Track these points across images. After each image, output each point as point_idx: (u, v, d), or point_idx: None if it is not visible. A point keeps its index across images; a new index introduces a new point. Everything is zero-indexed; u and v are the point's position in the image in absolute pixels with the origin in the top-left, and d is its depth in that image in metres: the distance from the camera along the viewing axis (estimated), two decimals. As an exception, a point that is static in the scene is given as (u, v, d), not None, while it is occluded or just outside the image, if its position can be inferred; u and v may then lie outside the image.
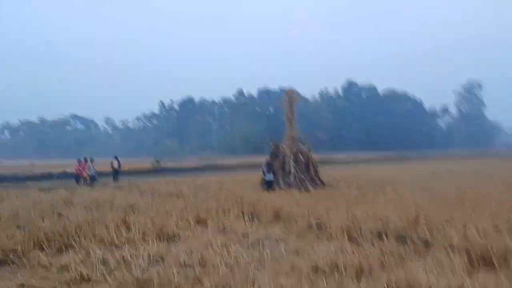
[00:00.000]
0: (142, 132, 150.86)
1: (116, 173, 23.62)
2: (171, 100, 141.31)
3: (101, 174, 24.12)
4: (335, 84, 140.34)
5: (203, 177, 26.96)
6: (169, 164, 44.46)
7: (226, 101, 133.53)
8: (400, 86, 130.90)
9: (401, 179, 20.36)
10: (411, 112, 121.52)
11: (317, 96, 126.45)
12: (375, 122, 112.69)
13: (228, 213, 11.55)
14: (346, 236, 8.54)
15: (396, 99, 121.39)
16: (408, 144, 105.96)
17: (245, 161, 46.29)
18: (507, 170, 24.74)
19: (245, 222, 10.46)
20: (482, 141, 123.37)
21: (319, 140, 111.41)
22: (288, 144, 18.57)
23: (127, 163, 53.35)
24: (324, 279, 6.09)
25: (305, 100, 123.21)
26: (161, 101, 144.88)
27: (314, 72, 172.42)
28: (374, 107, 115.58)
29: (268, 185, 17.28)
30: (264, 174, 17.47)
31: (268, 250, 7.93)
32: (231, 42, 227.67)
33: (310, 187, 17.21)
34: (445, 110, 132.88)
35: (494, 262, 6.45)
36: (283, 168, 17.82)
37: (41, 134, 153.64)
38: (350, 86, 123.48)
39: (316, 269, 6.66)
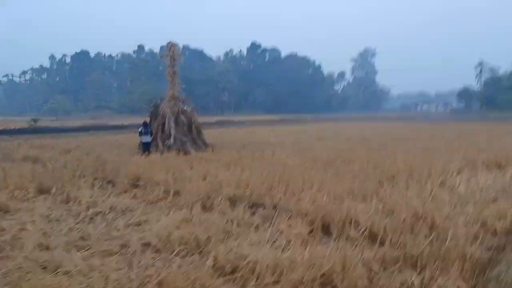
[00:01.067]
0: (30, 87, 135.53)
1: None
2: (63, 54, 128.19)
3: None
4: (240, 46, 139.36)
5: (82, 138, 24.52)
6: (54, 123, 40.13)
7: (125, 56, 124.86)
8: (303, 51, 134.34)
9: (287, 142, 20.48)
10: (312, 77, 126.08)
11: (222, 57, 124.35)
12: (278, 86, 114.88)
13: (82, 180, 10.20)
14: (199, 204, 7.88)
15: (298, 63, 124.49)
16: (308, 108, 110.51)
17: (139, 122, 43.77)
18: (383, 134, 26.52)
19: (94, 190, 9.24)
20: (373, 106, 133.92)
21: (224, 102, 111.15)
22: (169, 104, 17.29)
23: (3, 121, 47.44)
24: (149, 258, 5.34)
25: (211, 61, 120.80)
26: (52, 54, 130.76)
27: (221, 33, 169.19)
28: (278, 70, 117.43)
29: (145, 148, 16.03)
30: (140, 135, 16.09)
31: (103, 224, 6.96)
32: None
33: (192, 150, 16.34)
34: (342, 75, 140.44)
35: (331, 231, 6.30)
36: (163, 130, 16.62)
37: None
38: (254, 48, 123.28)
39: (147, 246, 5.87)
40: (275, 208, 7.46)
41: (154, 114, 17.08)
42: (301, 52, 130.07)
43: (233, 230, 6.44)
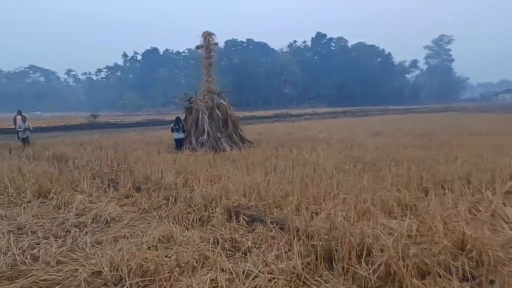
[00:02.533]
0: (105, 84, 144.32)
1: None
2: (134, 52, 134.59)
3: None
4: (304, 38, 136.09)
5: (130, 134, 24.51)
6: (113, 119, 41.43)
7: (192, 52, 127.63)
8: (371, 41, 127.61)
9: (337, 137, 18.57)
10: (381, 66, 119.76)
11: (285, 49, 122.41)
12: (344, 76, 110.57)
13: (86, 181, 9.42)
14: (193, 216, 6.64)
15: (366, 52, 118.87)
16: (377, 99, 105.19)
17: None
18: (452, 127, 23.41)
19: (93, 195, 8.38)
20: (449, 96, 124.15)
21: (286, 95, 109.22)
22: (204, 98, 16.25)
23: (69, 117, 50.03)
24: None
25: (275, 53, 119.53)
26: (124, 52, 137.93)
27: (284, 27, 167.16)
28: (344, 61, 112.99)
29: (178, 144, 15.17)
30: (173, 131, 15.26)
31: (69, 242, 5.95)
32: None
33: (227, 147, 15.18)
34: (414, 64, 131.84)
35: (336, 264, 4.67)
36: (196, 125, 15.63)
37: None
38: (319, 38, 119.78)
39: (97, 274, 4.72)
40: (277, 225, 5.97)
41: (189, 109, 16.14)
42: (370, 41, 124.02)
43: (211, 256, 5.09)
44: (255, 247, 5.38)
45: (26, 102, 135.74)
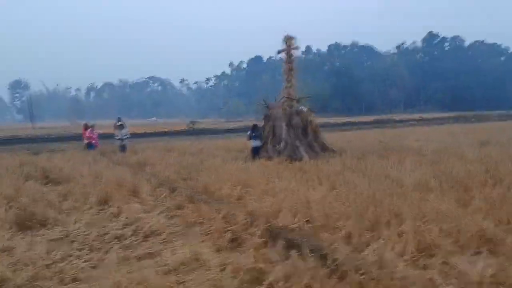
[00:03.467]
0: (213, 92, 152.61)
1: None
2: (240, 61, 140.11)
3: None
4: (414, 38, 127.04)
5: (217, 140, 24.91)
6: (211, 125, 43.04)
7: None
8: (492, 39, 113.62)
9: (434, 146, 16.39)
10: (504, 66, 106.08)
11: (393, 51, 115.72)
12: (459, 78, 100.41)
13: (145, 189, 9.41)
14: (228, 236, 6.02)
15: (485, 51, 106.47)
16: (498, 103, 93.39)
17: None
18: None
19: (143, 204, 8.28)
20: None
21: (393, 99, 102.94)
22: (282, 104, 15.60)
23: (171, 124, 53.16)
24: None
25: (380, 56, 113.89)
26: (231, 61, 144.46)
27: (390, 27, 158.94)
28: (459, 62, 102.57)
29: (254, 152, 14.75)
30: (249, 139, 14.89)
31: (93, 255, 5.76)
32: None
33: (305, 155, 14.30)
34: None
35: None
36: (274, 133, 15.04)
37: (123, 96, 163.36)
38: (431, 38, 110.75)
39: None
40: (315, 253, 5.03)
41: (268, 116, 15.64)
42: (491, 39, 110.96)
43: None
44: (283, 280, 4.56)
45: (145, 109, 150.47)
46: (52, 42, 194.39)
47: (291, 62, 15.75)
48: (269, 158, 14.31)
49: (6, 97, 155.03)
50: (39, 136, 36.83)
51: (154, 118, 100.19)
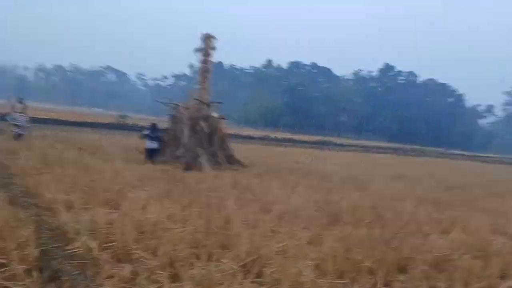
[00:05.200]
0: (170, 91, 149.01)
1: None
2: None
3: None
4: (372, 67, 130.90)
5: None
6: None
7: (257, 70, 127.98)
8: (443, 79, 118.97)
9: (344, 174, 15.59)
10: (451, 107, 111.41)
11: (348, 76, 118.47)
12: (408, 112, 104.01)
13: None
14: None
15: (436, 90, 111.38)
16: (442, 141, 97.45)
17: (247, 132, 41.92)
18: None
19: None
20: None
21: (343, 123, 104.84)
22: (191, 107, 14.22)
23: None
24: None
25: (337, 79, 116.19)
26: (191, 62, 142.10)
27: (352, 53, 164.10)
28: (410, 96, 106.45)
29: (149, 155, 13.21)
30: (143, 138, 13.35)
31: None
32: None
33: (206, 165, 12.94)
34: (490, 109, 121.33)
35: None
36: (175, 137, 13.62)
37: (74, 82, 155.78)
38: (387, 70, 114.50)
39: None
40: None
41: (174, 118, 14.20)
42: (442, 79, 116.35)
43: None
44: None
45: (97, 99, 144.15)
46: (3, 13, 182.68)
47: (207, 62, 14.42)
48: (165, 162, 12.86)
49: None
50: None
51: (99, 109, 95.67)
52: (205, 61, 14.53)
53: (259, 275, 4.70)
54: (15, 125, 16.08)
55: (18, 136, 15.67)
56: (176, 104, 14.40)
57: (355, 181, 13.58)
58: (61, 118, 32.52)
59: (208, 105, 14.40)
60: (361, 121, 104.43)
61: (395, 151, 45.11)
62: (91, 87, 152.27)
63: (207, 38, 14.51)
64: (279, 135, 48.65)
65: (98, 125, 30.98)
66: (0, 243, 4.51)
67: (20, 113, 16.58)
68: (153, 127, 13.41)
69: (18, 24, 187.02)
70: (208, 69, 14.57)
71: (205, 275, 4.35)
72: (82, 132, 22.12)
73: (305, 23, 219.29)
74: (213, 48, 14.64)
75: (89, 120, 33.30)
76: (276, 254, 5.22)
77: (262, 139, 39.56)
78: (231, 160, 14.19)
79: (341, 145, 43.88)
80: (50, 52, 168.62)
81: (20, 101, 17.52)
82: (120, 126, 32.26)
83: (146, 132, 13.43)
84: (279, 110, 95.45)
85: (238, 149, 18.29)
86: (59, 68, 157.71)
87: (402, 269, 5.29)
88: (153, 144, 13.21)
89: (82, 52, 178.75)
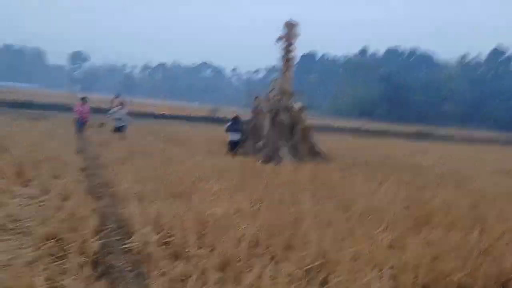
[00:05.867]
0: (262, 84, 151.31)
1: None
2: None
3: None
4: (481, 51, 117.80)
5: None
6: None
7: (349, 60, 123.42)
8: None
9: (442, 169, 13.97)
10: None
11: (452, 62, 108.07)
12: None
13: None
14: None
15: None
16: None
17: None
18: None
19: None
20: None
21: (447, 112, 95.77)
22: (272, 98, 13.83)
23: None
24: None
25: (437, 65, 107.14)
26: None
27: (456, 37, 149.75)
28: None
29: (232, 146, 13.19)
30: (227, 131, 13.33)
31: None
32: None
33: (286, 158, 12.54)
34: None
35: None
36: (256, 129, 13.38)
37: (175, 78, 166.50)
38: (497, 55, 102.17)
39: None
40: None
41: (255, 110, 13.97)
42: None
43: None
44: None
45: (195, 93, 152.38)
46: (119, 19, 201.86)
47: (290, 51, 13.89)
48: (246, 155, 12.75)
49: (67, 66, 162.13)
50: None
51: (196, 103, 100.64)
52: (287, 50, 14.01)
53: (324, 282, 4.17)
54: (115, 118, 17.16)
55: (118, 129, 16.70)
56: (257, 96, 14.14)
57: (455, 176, 12.07)
58: (159, 112, 34.55)
59: (290, 96, 13.91)
60: (466, 110, 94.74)
61: (505, 143, 40.03)
62: (189, 83, 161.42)
63: (289, 25, 13.96)
64: (373, 126, 46.16)
65: (192, 118, 32.34)
66: (64, 234, 4.59)
67: (118, 107, 17.68)
68: (236, 119, 13.36)
69: (123, 25, 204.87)
70: (290, 58, 14.04)
71: (262, 280, 3.95)
72: (174, 125, 23.17)
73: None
74: (296, 36, 14.05)
75: (184, 114, 34.91)
76: (347, 259, 4.62)
77: (354, 131, 37.85)
78: (314, 153, 13.55)
79: (443, 136, 40.18)
80: (155, 51, 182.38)
81: (117, 96, 18.78)
82: (212, 119, 33.34)
83: (229, 124, 13.42)
84: (373, 100, 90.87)
85: (325, 141, 17.53)
86: (161, 66, 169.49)
87: (503, 286, 4.34)
88: (235, 136, 13.16)
89: (183, 49, 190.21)
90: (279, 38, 14.18)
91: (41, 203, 6.25)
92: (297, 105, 13.76)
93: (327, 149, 15.23)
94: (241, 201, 6.78)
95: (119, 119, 16.89)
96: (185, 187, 7.47)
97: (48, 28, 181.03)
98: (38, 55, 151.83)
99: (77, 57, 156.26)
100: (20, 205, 6.11)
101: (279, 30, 14.18)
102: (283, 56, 13.99)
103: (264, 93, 14.33)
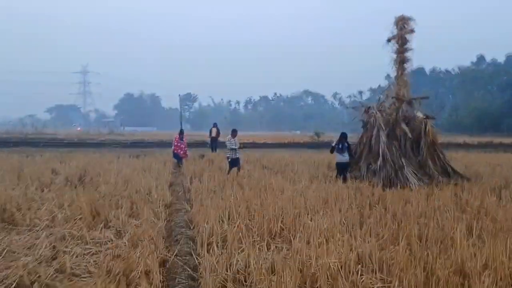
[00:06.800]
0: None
1: (213, 143, 20.74)
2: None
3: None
4: None
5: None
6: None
7: (463, 71, 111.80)
8: None
9: None
10: None
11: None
12: None
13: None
14: None
15: None
16: None
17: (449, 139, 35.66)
18: None
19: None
20: None
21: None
22: (386, 108, 11.39)
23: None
24: None
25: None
26: (388, 74, 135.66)
27: None
28: None
29: (340, 170, 10.96)
30: (332, 151, 11.08)
31: None
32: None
33: (413, 180, 9.99)
34: None
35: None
36: (370, 146, 11.00)
37: (277, 109, 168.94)
38: None
39: None
40: None
41: (366, 124, 11.66)
42: None
43: None
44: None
45: (297, 122, 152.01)
46: (223, 63, 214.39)
47: (403, 51, 11.45)
48: (359, 178, 10.49)
49: (179, 108, 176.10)
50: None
51: (298, 132, 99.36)
52: (400, 50, 11.59)
53: None
54: (230, 149, 15.17)
55: (233, 162, 14.52)
56: (368, 107, 11.84)
57: None
58: (262, 141, 33.81)
59: (409, 103, 11.35)
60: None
61: None
62: (291, 112, 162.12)
63: (401, 21, 11.57)
64: (504, 140, 39.52)
65: (294, 145, 30.83)
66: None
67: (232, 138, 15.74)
68: (342, 137, 11.16)
69: (222, 64, 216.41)
70: (404, 59, 11.56)
71: None
72: (275, 152, 21.69)
73: None
74: (410, 32, 11.57)
75: (286, 141, 33.67)
76: None
77: (480, 146, 32.53)
78: (447, 172, 10.69)
79: None
80: (257, 85, 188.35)
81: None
82: (314, 144, 31.37)
83: (335, 143, 11.23)
84: (497, 111, 79.85)
85: (454, 159, 14.47)
86: (264, 99, 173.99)
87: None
88: (344, 157, 10.92)
89: (284, 80, 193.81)
90: (390, 39, 11.84)
91: (107, 251, 4.94)
92: (420, 114, 11.12)
93: (459, 167, 12.19)
94: (363, 244, 4.68)
95: (234, 149, 14.77)
96: (283, 224, 5.63)
97: (161, 74, 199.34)
98: (154, 101, 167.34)
99: (187, 99, 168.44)
100: (84, 254, 4.88)
101: (388, 30, 11.88)
102: (395, 59, 11.57)
103: (376, 104, 11.93)
